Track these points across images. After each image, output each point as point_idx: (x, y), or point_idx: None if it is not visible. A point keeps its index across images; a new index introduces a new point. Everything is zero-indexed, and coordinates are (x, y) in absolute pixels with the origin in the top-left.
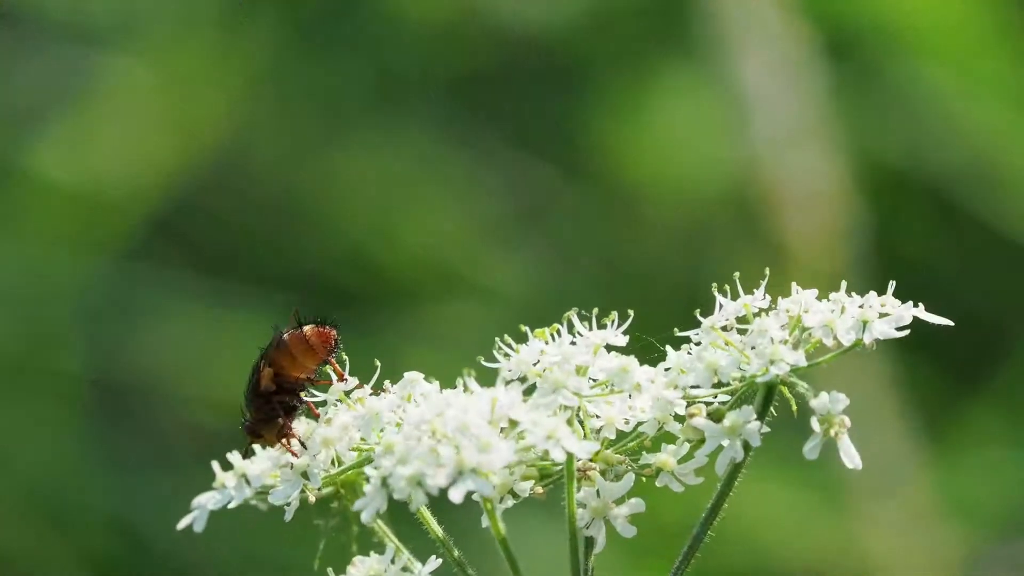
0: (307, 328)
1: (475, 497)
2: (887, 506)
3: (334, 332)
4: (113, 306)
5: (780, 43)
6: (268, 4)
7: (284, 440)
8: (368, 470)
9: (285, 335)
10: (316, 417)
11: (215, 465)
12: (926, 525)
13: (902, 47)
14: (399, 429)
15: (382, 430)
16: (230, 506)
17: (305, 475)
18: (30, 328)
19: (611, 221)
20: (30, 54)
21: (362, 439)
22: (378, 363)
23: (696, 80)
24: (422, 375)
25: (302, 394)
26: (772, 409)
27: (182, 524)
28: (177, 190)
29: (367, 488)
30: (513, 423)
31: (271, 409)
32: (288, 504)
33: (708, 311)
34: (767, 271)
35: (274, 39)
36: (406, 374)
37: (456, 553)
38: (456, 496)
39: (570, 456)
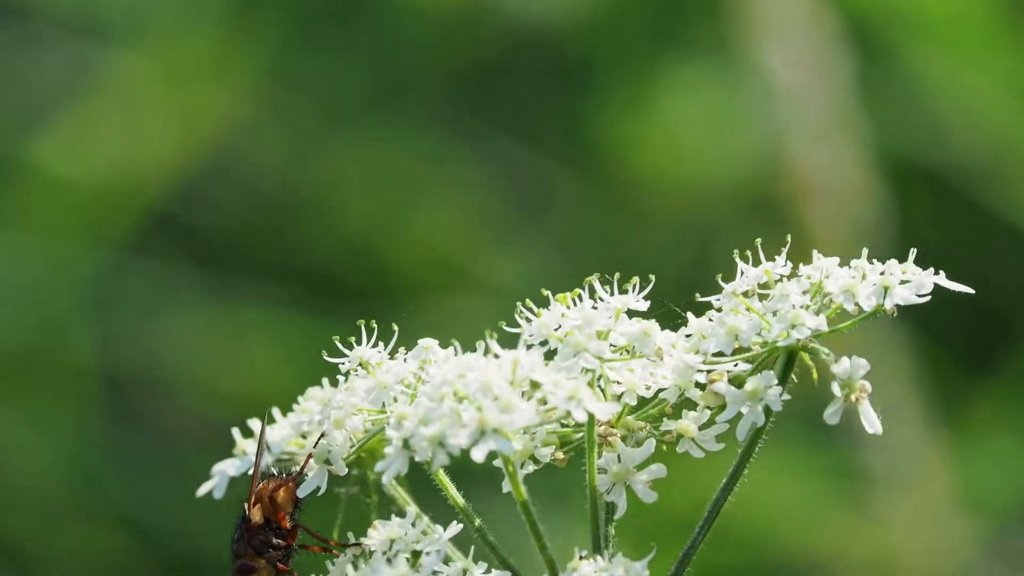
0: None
1: (496, 463)
2: (898, 495)
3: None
4: (118, 299)
5: (802, 34)
6: None
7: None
8: (390, 432)
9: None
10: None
11: (235, 432)
12: (938, 514)
13: (921, 38)
14: (411, 400)
15: (395, 401)
16: (250, 472)
17: (327, 461)
18: (35, 321)
19: (617, 215)
20: (36, 49)
21: (380, 411)
22: (396, 327)
23: (705, 74)
24: (436, 341)
25: (289, 538)
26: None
27: (202, 491)
28: (181, 184)
29: (388, 449)
30: (535, 385)
31: (261, 541)
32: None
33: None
34: (788, 238)
35: (278, 33)
36: (420, 341)
37: (477, 522)
38: (478, 455)
39: (591, 420)
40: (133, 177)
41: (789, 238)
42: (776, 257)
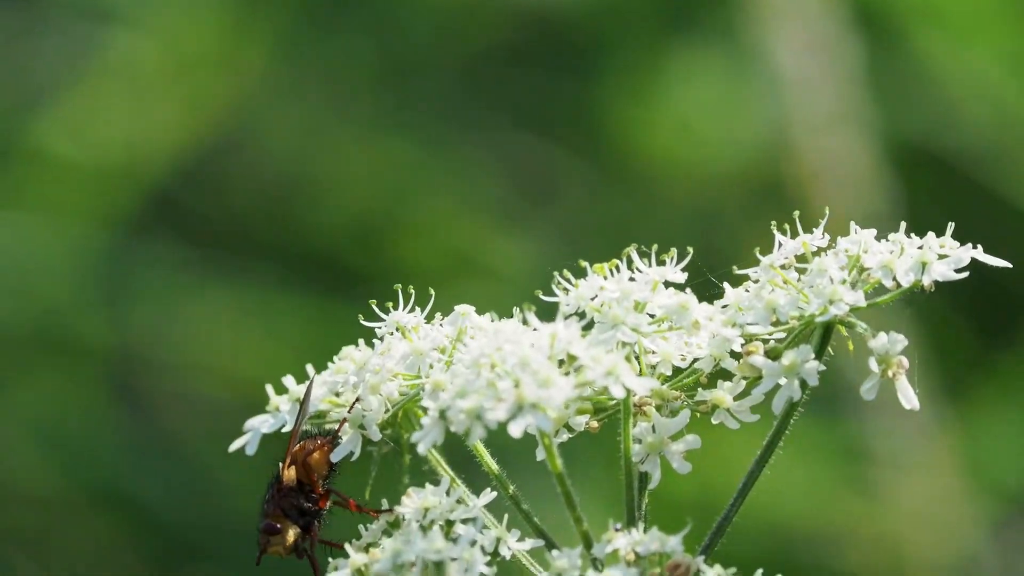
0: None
1: (532, 431)
2: (905, 475)
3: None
4: (121, 282)
5: (810, 20)
6: None
7: (302, 542)
8: (426, 401)
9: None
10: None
11: (268, 388)
12: (945, 494)
13: (927, 23)
14: (446, 367)
15: (430, 367)
16: (283, 430)
17: (362, 426)
18: (37, 304)
19: (624, 201)
20: (42, 31)
21: (415, 375)
22: (432, 292)
23: (714, 60)
24: (472, 308)
25: (320, 502)
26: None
27: (234, 447)
28: (186, 167)
29: (425, 420)
30: (571, 358)
31: (291, 504)
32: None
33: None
34: (827, 210)
35: (284, 16)
36: (457, 307)
37: (511, 489)
38: (516, 431)
39: (628, 392)
40: (138, 159)
41: (828, 210)
42: (813, 230)
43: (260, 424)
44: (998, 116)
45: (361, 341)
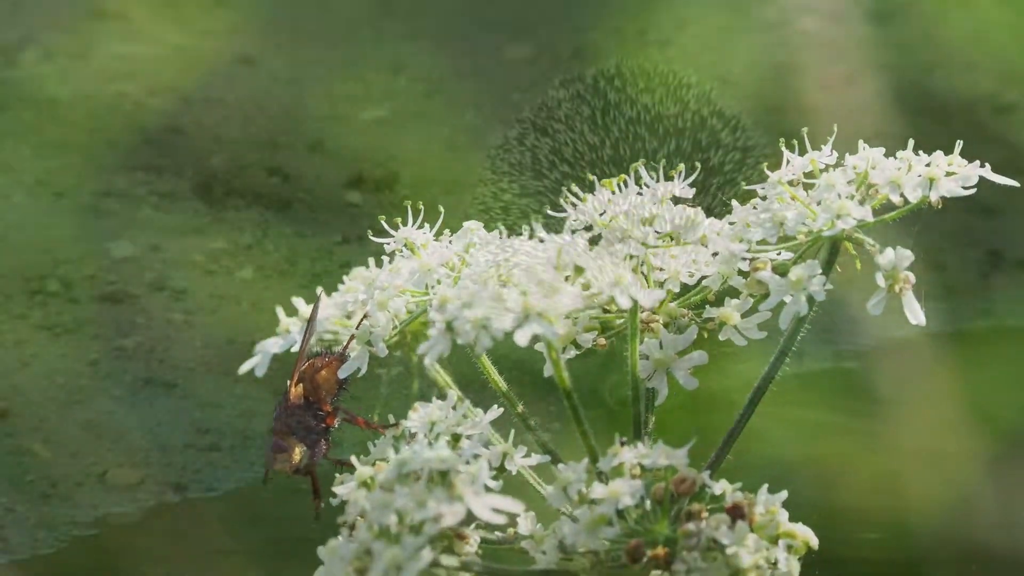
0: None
1: (539, 347)
2: (903, 410)
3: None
4: (113, 225)
5: None
6: None
7: (309, 463)
8: (433, 314)
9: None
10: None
11: (279, 310)
12: (943, 430)
13: None
14: (455, 283)
15: (438, 283)
16: (293, 349)
17: (369, 343)
18: (28, 248)
19: (617, 136)
20: None
21: (423, 292)
22: (442, 209)
23: None
24: (481, 224)
25: (328, 420)
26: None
27: (244, 368)
28: (177, 109)
29: (431, 331)
30: (579, 270)
31: (297, 421)
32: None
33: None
34: (835, 127)
35: None
36: (465, 223)
37: (519, 407)
38: (522, 339)
39: (635, 306)
40: (129, 102)
41: (836, 127)
42: (822, 147)
43: (270, 346)
44: (999, 62)
45: (371, 260)
